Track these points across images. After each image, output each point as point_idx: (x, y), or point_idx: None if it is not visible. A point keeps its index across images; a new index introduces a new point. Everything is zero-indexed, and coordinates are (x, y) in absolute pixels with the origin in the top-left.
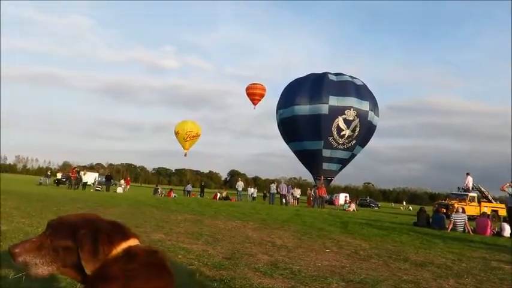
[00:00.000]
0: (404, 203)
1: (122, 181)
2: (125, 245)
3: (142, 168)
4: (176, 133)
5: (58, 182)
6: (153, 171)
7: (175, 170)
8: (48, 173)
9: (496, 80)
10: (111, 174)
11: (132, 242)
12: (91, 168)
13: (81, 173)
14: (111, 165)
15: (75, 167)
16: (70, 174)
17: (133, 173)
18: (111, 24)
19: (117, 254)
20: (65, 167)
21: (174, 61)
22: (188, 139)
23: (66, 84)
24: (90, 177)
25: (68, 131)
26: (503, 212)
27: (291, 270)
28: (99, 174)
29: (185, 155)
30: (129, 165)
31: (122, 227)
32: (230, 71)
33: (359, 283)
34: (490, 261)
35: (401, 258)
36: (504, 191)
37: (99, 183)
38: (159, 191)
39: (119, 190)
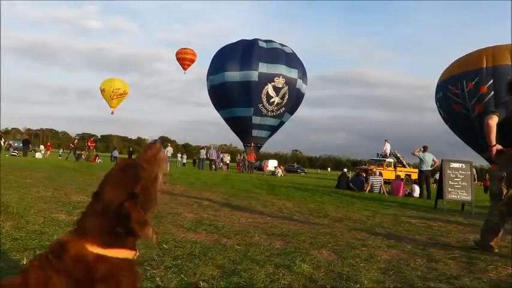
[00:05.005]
0: (329, 169)
1: (42, 146)
2: None
3: (65, 134)
4: (102, 90)
5: None
6: (77, 137)
7: (102, 135)
8: None
9: (423, 55)
10: (28, 138)
11: None
12: (6, 133)
13: None
14: (29, 130)
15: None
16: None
17: (54, 138)
18: None
19: None
20: None
21: (99, 22)
22: (115, 97)
23: None
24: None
25: None
26: (415, 176)
27: (215, 226)
28: (15, 139)
29: (112, 113)
30: (50, 130)
31: None
32: (159, 36)
33: (279, 235)
34: (399, 216)
35: (322, 215)
36: (415, 155)
37: (15, 148)
38: (83, 156)
39: (38, 155)
